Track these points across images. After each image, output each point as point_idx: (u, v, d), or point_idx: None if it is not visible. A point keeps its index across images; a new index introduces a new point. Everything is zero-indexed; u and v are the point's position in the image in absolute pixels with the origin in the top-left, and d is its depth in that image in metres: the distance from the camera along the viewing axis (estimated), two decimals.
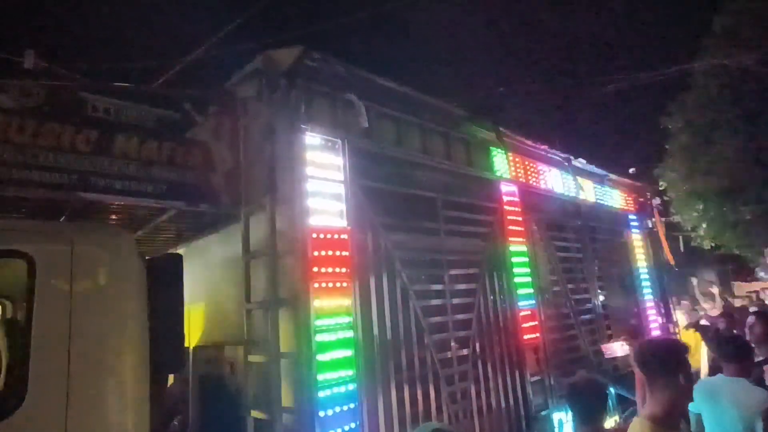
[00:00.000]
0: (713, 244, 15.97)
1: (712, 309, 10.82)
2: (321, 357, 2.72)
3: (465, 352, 3.71)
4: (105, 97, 3.00)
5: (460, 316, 3.75)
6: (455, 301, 3.76)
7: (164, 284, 3.02)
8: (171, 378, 3.79)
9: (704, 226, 15.40)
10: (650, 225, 7.62)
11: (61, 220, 2.92)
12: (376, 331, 3.13)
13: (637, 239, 7.01)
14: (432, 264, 3.69)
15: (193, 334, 3.82)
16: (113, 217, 3.21)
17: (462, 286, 3.88)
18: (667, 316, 7.30)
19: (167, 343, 2.91)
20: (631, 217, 7.10)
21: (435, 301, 3.60)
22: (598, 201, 6.32)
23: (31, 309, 2.44)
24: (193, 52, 3.16)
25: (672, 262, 8.30)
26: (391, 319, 3.22)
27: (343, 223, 3.04)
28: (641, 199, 7.65)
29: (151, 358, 2.81)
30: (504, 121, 4.93)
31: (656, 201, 8.26)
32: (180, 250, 3.80)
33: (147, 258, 3.10)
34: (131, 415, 2.56)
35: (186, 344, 3.62)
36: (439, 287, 3.68)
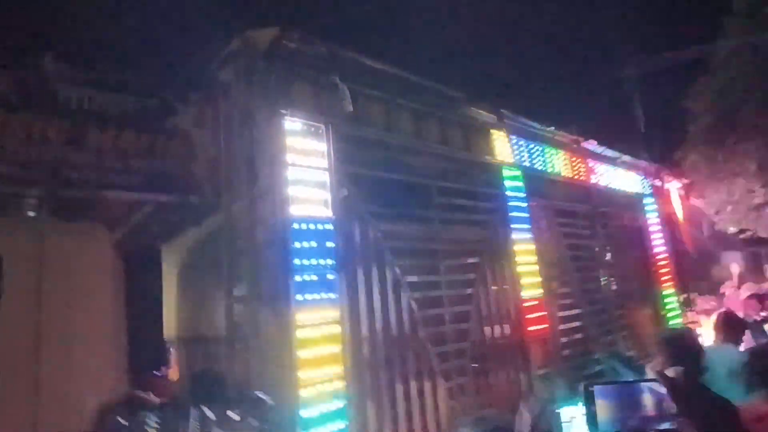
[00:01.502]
0: (739, 228, 15.37)
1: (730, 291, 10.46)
2: (303, 353, 2.58)
3: (463, 345, 3.54)
4: (78, 86, 2.89)
5: (458, 308, 3.57)
6: (452, 292, 3.58)
7: (142, 280, 2.93)
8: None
9: (729, 209, 14.82)
10: (668, 209, 7.28)
11: (34, 215, 2.83)
12: (365, 324, 2.98)
13: (653, 224, 6.70)
14: (427, 254, 3.52)
15: (183, 328, 3.74)
16: (90, 211, 3.12)
17: (460, 277, 3.70)
18: (687, 303, 6.99)
19: (145, 338, 2.82)
20: (647, 201, 6.79)
21: (430, 293, 3.43)
22: (611, 184, 6.03)
23: None
24: (173, 35, 3.02)
25: (691, 248, 7.94)
26: (383, 311, 3.06)
27: (327, 212, 2.88)
28: (658, 183, 7.30)
29: (130, 354, 2.72)
30: (511, 104, 4.69)
31: (676, 184, 7.89)
32: (170, 244, 3.70)
33: (125, 254, 3.01)
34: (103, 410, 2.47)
35: (172, 339, 3.55)
36: (434, 278, 3.50)
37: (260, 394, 2.34)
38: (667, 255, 6.87)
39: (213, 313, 3.25)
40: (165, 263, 3.39)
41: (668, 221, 7.32)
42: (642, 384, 2.52)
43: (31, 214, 2.78)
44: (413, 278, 3.33)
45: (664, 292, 6.38)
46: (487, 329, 3.74)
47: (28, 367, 2.32)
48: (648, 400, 2.39)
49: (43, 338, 2.39)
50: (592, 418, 2.43)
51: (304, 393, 2.52)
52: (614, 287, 5.59)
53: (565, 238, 4.96)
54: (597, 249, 5.37)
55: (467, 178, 3.97)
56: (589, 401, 2.44)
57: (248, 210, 2.79)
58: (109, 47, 2.79)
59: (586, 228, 5.34)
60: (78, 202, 2.82)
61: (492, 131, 4.35)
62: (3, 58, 2.59)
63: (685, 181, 8.15)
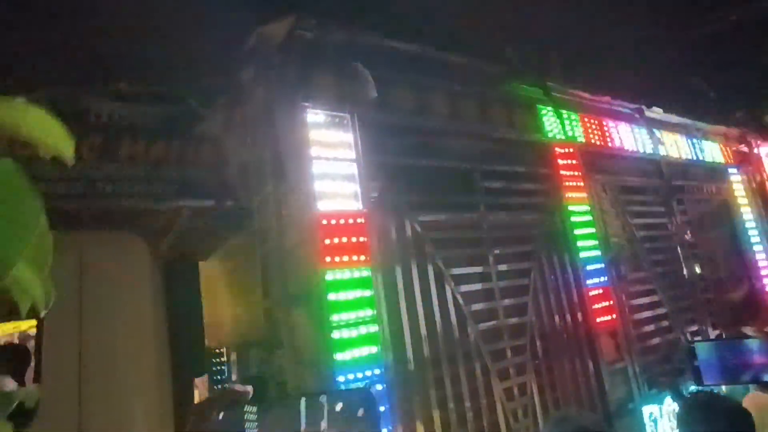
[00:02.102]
0: None
1: None
2: (340, 356, 2.43)
3: (521, 341, 3.23)
4: (106, 100, 2.94)
5: (512, 301, 3.27)
6: (504, 283, 3.28)
7: (182, 290, 2.92)
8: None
9: None
10: (759, 177, 6.42)
11: (72, 230, 2.91)
12: (405, 323, 2.78)
13: (741, 196, 5.93)
14: (472, 243, 3.25)
15: (236, 334, 3.74)
16: (126, 222, 3.17)
17: (513, 266, 3.39)
18: None
19: (187, 347, 2.80)
20: (731, 170, 6.02)
21: (479, 286, 3.16)
22: (685, 155, 5.39)
23: (41, 322, 2.41)
24: (193, 40, 3.00)
25: None
26: (425, 308, 2.84)
27: (358, 205, 2.71)
28: (744, 148, 6.46)
29: (172, 363, 2.71)
30: (560, 75, 4.28)
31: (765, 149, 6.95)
32: (210, 251, 3.72)
33: (164, 263, 3.02)
34: (151, 419, 2.47)
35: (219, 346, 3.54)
36: (482, 269, 3.23)
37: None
38: (759, 230, 6.07)
39: (255, 318, 3.19)
40: (206, 270, 3.39)
41: (760, 191, 6.46)
42: (744, 341, 2.59)
43: (69, 228, 2.86)
44: (458, 270, 3.08)
45: (759, 270, 5.61)
46: (547, 322, 3.39)
47: (73, 383, 2.35)
48: (752, 355, 2.39)
49: (86, 353, 2.41)
50: (696, 373, 2.47)
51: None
52: (698, 269, 4.97)
53: (633, 217, 4.46)
54: (673, 227, 4.79)
55: (514, 158, 3.65)
56: (692, 357, 2.48)
57: (275, 209, 2.69)
58: (127, 57, 2.78)
59: (658, 205, 4.79)
60: (114, 213, 2.86)
61: (539, 107, 3.98)
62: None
63: None
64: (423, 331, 2.80)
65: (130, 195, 2.84)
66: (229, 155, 3.23)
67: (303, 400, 0.53)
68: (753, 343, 2.48)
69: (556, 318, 3.47)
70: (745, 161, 6.39)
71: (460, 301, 3.00)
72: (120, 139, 2.91)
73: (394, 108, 3.13)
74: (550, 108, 4.00)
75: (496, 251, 3.31)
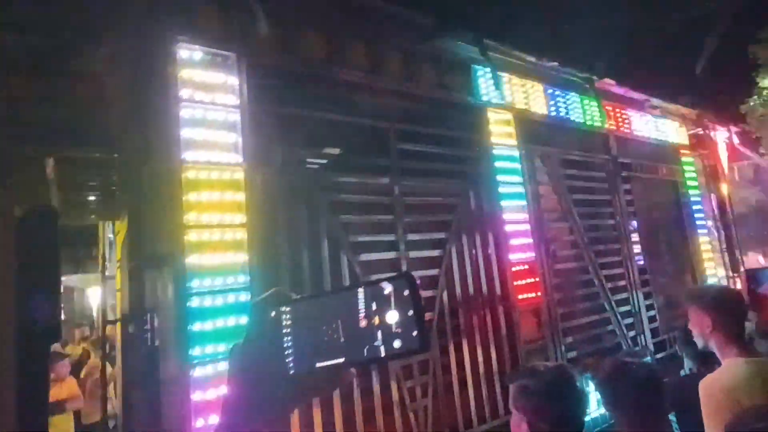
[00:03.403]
0: None
1: None
2: (198, 326, 2.15)
3: (428, 315, 3.00)
4: None
5: (420, 273, 3.03)
6: (415, 254, 3.03)
7: (36, 243, 2.58)
8: None
9: None
10: (712, 162, 6.29)
11: None
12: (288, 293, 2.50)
13: (691, 179, 5.78)
14: (380, 209, 2.97)
15: None
16: None
17: (426, 237, 3.13)
18: (734, 269, 6.06)
19: (40, 309, 2.48)
20: (685, 152, 5.84)
21: (384, 255, 2.90)
22: (637, 132, 5.17)
23: None
24: None
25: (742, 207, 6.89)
26: (313, 277, 2.57)
27: (236, 158, 2.39)
28: (700, 131, 6.29)
29: (20, 326, 2.38)
30: (503, 35, 3.94)
31: (724, 134, 6.79)
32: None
33: (17, 213, 2.66)
34: None
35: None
36: (390, 237, 2.96)
37: None
38: (707, 214, 5.96)
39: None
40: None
41: (713, 176, 6.34)
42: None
43: None
44: (360, 238, 2.81)
45: (703, 253, 5.52)
46: (461, 297, 3.17)
47: None
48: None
49: None
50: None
51: (199, 373, 2.09)
52: (638, 249, 4.82)
53: (573, 192, 4.24)
54: (616, 206, 4.59)
55: (439, 121, 3.35)
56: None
57: (136, 159, 2.35)
58: None
59: (601, 181, 4.58)
60: None
61: (474, 67, 3.67)
62: None
63: (736, 129, 7.01)
64: None
65: None
66: (113, 99, 2.86)
67: (357, 289, 0.59)
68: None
69: (472, 293, 3.25)
70: (700, 144, 6.23)
71: (358, 271, 2.73)
72: None
73: (300, 54, 2.78)
74: (486, 69, 3.69)
75: (408, 219, 3.04)
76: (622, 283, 4.44)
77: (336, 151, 2.83)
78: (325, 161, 2.82)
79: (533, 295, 3.57)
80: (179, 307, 2.12)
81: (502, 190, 3.58)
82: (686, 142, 5.97)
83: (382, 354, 0.55)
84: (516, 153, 3.76)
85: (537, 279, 3.62)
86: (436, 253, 3.15)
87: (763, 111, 13.51)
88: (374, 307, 0.57)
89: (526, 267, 3.58)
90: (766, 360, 1.93)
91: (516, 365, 3.30)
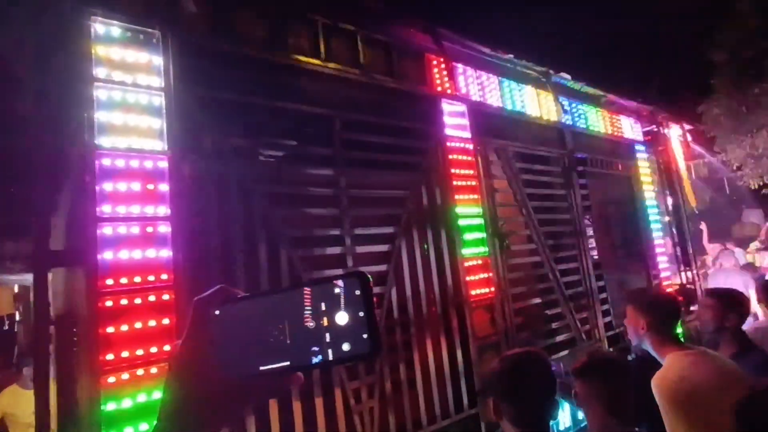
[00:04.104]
0: (761, 183, 14.48)
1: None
2: (112, 329, 1.95)
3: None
4: None
5: (368, 269, 2.89)
6: (362, 249, 2.90)
7: None
8: None
9: (752, 163, 14.02)
10: (666, 158, 6.41)
11: None
12: (234, 291, 2.32)
13: (645, 175, 5.86)
14: (323, 202, 2.82)
15: None
16: None
17: (374, 231, 3.00)
18: (686, 265, 6.20)
19: None
20: (639, 148, 5.93)
21: (325, 251, 2.75)
22: (593, 128, 5.20)
23: None
24: None
25: (694, 204, 7.09)
26: (248, 274, 2.40)
27: (160, 145, 2.19)
28: (654, 128, 6.40)
29: None
30: (459, 24, 3.84)
31: (677, 131, 6.95)
32: None
33: None
34: None
35: None
36: (335, 232, 2.82)
37: None
38: (662, 209, 6.08)
39: None
40: None
41: (667, 173, 6.47)
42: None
43: None
44: (300, 233, 2.64)
45: (657, 248, 5.61)
46: (410, 294, 3.05)
47: None
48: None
49: None
50: None
51: (107, 387, 1.89)
52: (593, 244, 4.84)
53: (527, 186, 4.20)
54: (572, 201, 4.59)
55: (389, 110, 3.22)
56: None
57: (45, 144, 2.11)
58: None
59: (557, 176, 4.57)
60: None
61: (428, 56, 3.56)
62: None
63: (689, 127, 7.20)
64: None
65: None
66: (27, 81, 2.59)
67: (305, 288, 0.54)
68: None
69: (422, 290, 3.14)
70: (655, 141, 6.35)
71: (299, 266, 2.57)
72: None
73: (235, 34, 2.59)
74: (440, 59, 3.58)
75: (355, 212, 2.90)
76: (577, 277, 4.44)
77: (279, 140, 2.64)
78: (265, 150, 2.63)
79: (486, 290, 3.49)
80: (90, 309, 1.92)
81: (455, 183, 3.49)
82: (641, 138, 6.06)
83: (330, 358, 0.53)
84: (470, 145, 3.67)
85: (490, 274, 3.55)
86: (384, 248, 3.02)
87: (718, 111, 14.07)
88: (323, 307, 0.54)
89: (480, 262, 3.50)
90: (700, 348, 2.16)
91: (468, 363, 3.22)
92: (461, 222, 3.44)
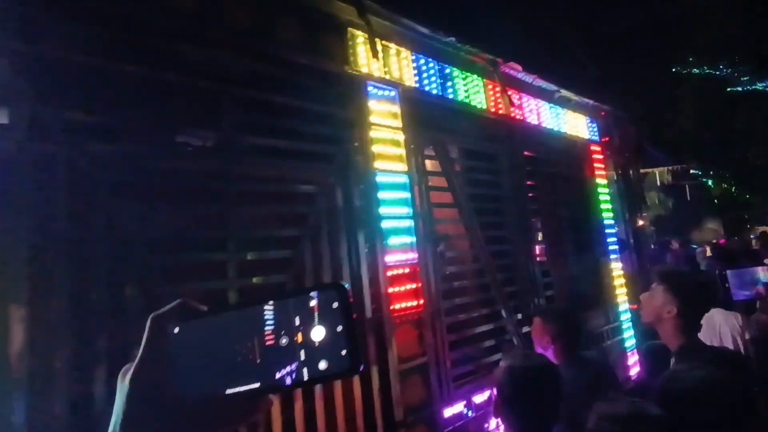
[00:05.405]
0: (722, 189, 14.92)
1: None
2: None
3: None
4: None
5: (262, 280, 2.37)
6: (253, 256, 2.37)
7: None
8: None
9: (711, 173, 14.52)
10: (623, 160, 6.15)
11: None
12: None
13: (600, 177, 5.56)
14: (204, 198, 2.28)
15: None
16: None
17: (271, 234, 2.49)
18: (641, 266, 5.95)
19: None
20: (595, 148, 5.62)
21: (201, 257, 2.22)
22: (545, 124, 4.83)
23: None
24: None
25: (650, 206, 6.88)
26: (78, 286, 1.84)
27: None
28: (614, 129, 6.12)
29: None
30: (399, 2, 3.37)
31: (633, 132, 6.71)
32: None
33: None
34: None
35: None
36: (217, 234, 2.28)
37: None
38: (616, 213, 5.80)
39: None
40: None
41: (623, 175, 6.22)
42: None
43: None
44: (165, 233, 2.10)
45: (611, 254, 5.31)
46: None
47: None
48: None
49: None
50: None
51: None
52: (542, 248, 4.47)
53: (469, 184, 3.77)
54: (519, 203, 4.19)
55: (298, 90, 2.70)
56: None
57: None
58: None
59: (503, 175, 4.16)
60: None
61: (352, 31, 3.07)
62: None
63: (645, 128, 6.99)
64: (77, 319, 1.79)
65: None
66: None
67: (275, 302, 0.49)
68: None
69: None
70: (612, 142, 6.07)
71: (157, 276, 2.03)
72: None
73: None
74: (365, 35, 3.10)
75: (246, 210, 2.38)
76: (523, 286, 4.04)
77: (142, 117, 2.09)
78: (124, 130, 2.07)
79: (414, 303, 3.03)
80: None
81: (380, 179, 3.01)
82: (597, 138, 5.76)
83: (305, 377, 0.51)
84: (400, 136, 3.20)
85: (419, 285, 3.09)
86: (285, 254, 2.51)
87: (681, 120, 14.40)
88: (297, 322, 0.51)
89: (407, 271, 3.04)
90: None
91: (387, 392, 2.74)
92: (385, 224, 2.96)
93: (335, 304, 0.50)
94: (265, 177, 2.50)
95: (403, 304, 2.97)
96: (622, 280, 5.41)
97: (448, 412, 3.13)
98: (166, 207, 2.12)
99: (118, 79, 2.06)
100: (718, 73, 13.39)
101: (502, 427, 2.25)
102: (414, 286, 3.05)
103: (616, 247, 5.52)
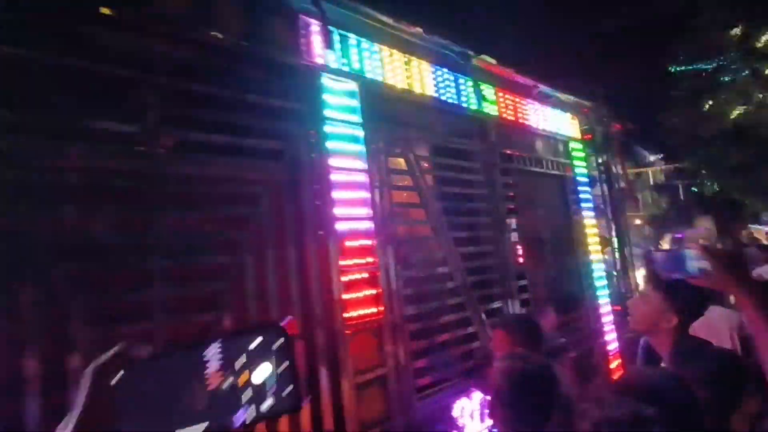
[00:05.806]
0: (715, 189, 14.85)
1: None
2: None
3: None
4: None
5: (199, 290, 2.16)
6: (186, 261, 2.16)
7: None
8: None
9: (704, 172, 14.45)
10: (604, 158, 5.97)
11: None
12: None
13: (582, 176, 5.38)
14: (127, 198, 2.06)
15: None
16: None
17: (204, 239, 2.27)
18: (623, 267, 5.79)
19: None
20: (576, 146, 5.44)
21: (129, 263, 2.00)
22: (523, 121, 4.64)
23: None
24: None
25: (635, 206, 6.72)
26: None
27: None
28: (597, 126, 5.94)
29: None
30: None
31: (618, 131, 6.53)
32: None
33: None
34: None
35: None
36: (138, 240, 2.07)
37: None
38: (599, 213, 5.63)
39: None
40: None
41: (607, 174, 6.04)
42: None
43: None
44: (64, 239, 1.88)
45: (592, 256, 5.12)
46: (256, 318, 2.34)
47: None
48: None
49: None
50: None
51: None
52: (517, 250, 4.28)
53: (437, 183, 3.58)
54: (494, 202, 4.00)
55: (240, 81, 2.49)
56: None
57: None
58: None
59: (476, 173, 3.96)
60: None
61: (304, 18, 2.86)
62: None
63: (631, 126, 6.81)
64: None
65: None
66: None
67: (216, 344, 0.53)
68: None
69: (276, 313, 2.43)
70: (595, 140, 5.88)
71: (57, 286, 1.81)
72: None
73: None
74: (317, 23, 2.89)
75: (180, 213, 2.16)
76: (496, 290, 3.84)
77: (45, 109, 1.87)
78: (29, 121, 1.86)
79: (372, 310, 2.83)
80: None
81: (335, 178, 2.80)
82: (578, 136, 5.58)
83: (253, 416, 0.52)
84: (360, 133, 3.00)
85: (379, 290, 2.89)
86: (221, 260, 2.29)
87: (674, 120, 14.31)
88: (241, 362, 0.53)
89: (365, 275, 2.83)
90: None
91: (339, 408, 2.53)
92: (340, 226, 2.76)
93: (276, 344, 0.51)
94: (201, 177, 2.28)
95: (360, 312, 2.76)
96: (604, 280, 5.23)
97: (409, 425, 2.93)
98: (77, 209, 1.90)
99: (21, 66, 1.84)
100: (708, 67, 13.30)
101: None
102: (372, 291, 2.85)
103: (598, 247, 5.35)
